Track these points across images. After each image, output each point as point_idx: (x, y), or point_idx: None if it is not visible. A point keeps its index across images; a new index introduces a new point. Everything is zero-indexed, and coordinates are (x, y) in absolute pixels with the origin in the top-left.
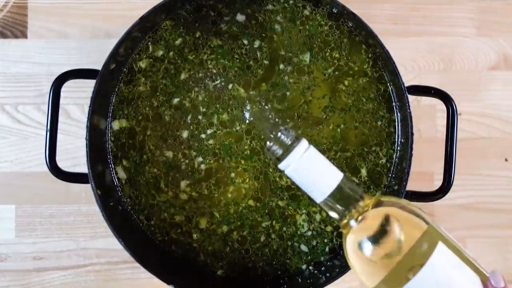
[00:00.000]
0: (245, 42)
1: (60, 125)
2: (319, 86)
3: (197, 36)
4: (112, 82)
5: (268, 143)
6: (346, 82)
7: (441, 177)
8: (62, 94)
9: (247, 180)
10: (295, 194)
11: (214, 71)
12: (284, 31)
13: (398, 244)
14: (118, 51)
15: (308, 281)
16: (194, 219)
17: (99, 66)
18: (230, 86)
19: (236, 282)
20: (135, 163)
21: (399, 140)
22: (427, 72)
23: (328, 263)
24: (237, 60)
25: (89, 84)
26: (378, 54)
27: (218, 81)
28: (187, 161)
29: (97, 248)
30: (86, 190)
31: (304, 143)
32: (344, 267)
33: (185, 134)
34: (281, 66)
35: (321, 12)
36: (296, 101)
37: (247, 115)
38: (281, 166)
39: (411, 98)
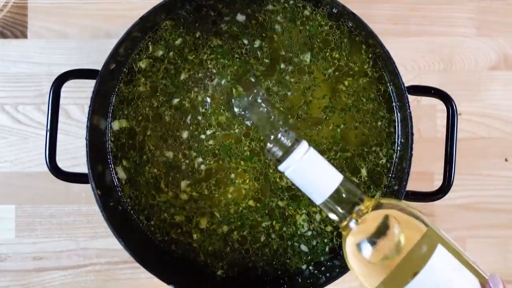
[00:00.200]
0: (245, 41)
1: (60, 125)
2: (319, 86)
3: (197, 36)
4: (112, 82)
5: (268, 144)
6: (346, 83)
7: (441, 177)
8: (62, 94)
9: (247, 181)
10: (295, 194)
11: (214, 70)
12: (284, 31)
13: (398, 247)
14: (118, 51)
15: (308, 281)
16: (195, 219)
17: (99, 66)
18: (230, 85)
19: (236, 282)
20: (135, 163)
21: (399, 140)
22: (427, 72)
23: (328, 263)
24: (237, 60)
25: (89, 84)
26: (378, 54)
27: (218, 81)
28: (187, 161)
29: (97, 248)
30: (86, 190)
31: (304, 144)
32: (344, 267)
33: (185, 134)
34: (282, 66)
35: (321, 12)
36: (296, 101)
37: (236, 110)
38: (281, 167)
39: (411, 98)
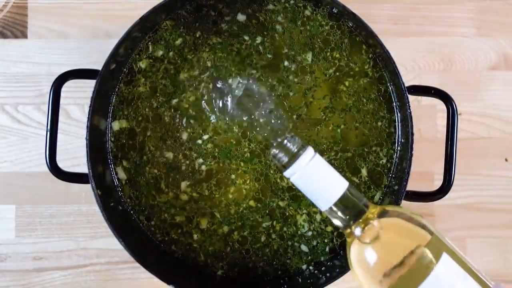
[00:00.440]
0: (246, 38)
1: (60, 125)
2: (320, 87)
3: (197, 35)
4: (112, 82)
5: (273, 150)
6: (347, 83)
7: (441, 177)
8: (62, 94)
9: (247, 182)
10: (296, 194)
11: (212, 68)
12: (285, 31)
13: (403, 255)
14: (118, 51)
15: (309, 281)
16: (195, 220)
17: (99, 66)
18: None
19: (236, 282)
20: (135, 163)
21: (400, 140)
22: (427, 72)
23: (328, 263)
24: (236, 54)
25: (89, 84)
26: (378, 54)
27: (216, 79)
28: (187, 162)
29: (97, 248)
30: (86, 190)
31: (310, 151)
32: (344, 267)
33: (184, 136)
34: (286, 63)
35: (322, 12)
36: (297, 101)
37: (229, 104)
38: (286, 173)
39: (411, 98)
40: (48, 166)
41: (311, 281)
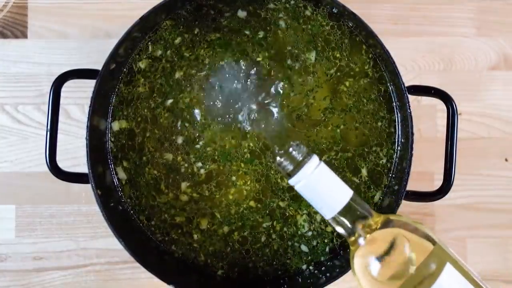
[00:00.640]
0: (247, 32)
1: (60, 125)
2: (322, 88)
3: (195, 32)
4: (112, 82)
5: (278, 158)
6: (347, 83)
7: (441, 177)
8: (62, 94)
9: (248, 182)
10: (296, 195)
11: (211, 66)
12: (288, 27)
13: (406, 265)
14: (118, 51)
15: (309, 281)
16: (195, 220)
17: (99, 66)
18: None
19: (236, 282)
20: (135, 164)
21: (400, 140)
22: (427, 72)
23: (328, 263)
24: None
25: (89, 84)
26: (378, 54)
27: (217, 80)
28: (186, 165)
29: (97, 248)
30: (86, 190)
31: (315, 159)
32: (344, 267)
33: (180, 140)
34: (289, 62)
35: (322, 12)
36: (298, 102)
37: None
38: (291, 181)
39: (411, 98)
40: (48, 166)
41: (311, 281)
